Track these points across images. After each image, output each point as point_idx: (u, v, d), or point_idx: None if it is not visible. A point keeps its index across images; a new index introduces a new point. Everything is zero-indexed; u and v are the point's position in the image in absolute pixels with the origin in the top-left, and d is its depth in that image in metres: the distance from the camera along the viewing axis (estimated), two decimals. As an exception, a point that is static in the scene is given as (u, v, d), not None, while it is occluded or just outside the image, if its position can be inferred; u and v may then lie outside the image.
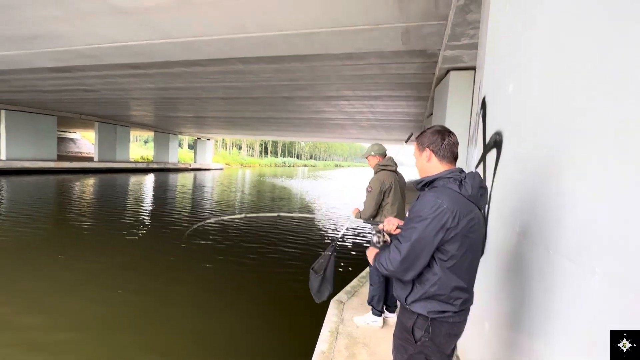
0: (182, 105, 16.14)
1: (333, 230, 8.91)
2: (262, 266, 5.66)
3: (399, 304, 1.43)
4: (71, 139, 37.57)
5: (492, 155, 1.86)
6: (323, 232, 8.62)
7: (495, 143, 1.81)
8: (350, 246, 7.16)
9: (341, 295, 3.41)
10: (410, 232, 1.24)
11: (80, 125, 30.69)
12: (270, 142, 78.91)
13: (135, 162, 29.43)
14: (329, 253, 2.09)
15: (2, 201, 10.86)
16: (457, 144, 1.36)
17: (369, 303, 2.88)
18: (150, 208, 11.35)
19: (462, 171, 1.31)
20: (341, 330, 2.73)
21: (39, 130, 21.42)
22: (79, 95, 14.29)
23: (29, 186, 15.00)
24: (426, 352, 1.31)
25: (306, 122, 19.32)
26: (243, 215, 2.84)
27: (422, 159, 1.37)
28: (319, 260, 2.09)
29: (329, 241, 7.39)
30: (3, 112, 19.62)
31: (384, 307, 2.92)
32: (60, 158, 24.66)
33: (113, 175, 22.60)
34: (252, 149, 74.26)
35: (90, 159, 26.95)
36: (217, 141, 53.07)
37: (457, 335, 1.33)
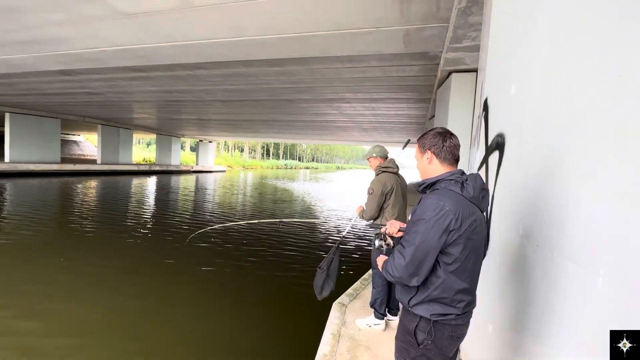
0: (185, 108, 16.20)
1: (337, 233, 8.89)
2: (263, 269, 5.64)
3: (401, 306, 1.42)
4: (74, 142, 37.83)
5: (494, 157, 1.85)
6: (325, 235, 8.61)
7: (498, 145, 1.81)
8: (352, 249, 7.14)
9: (343, 298, 3.39)
10: (413, 236, 1.23)
11: (84, 128, 30.92)
12: (272, 145, 79.05)
13: (137, 164, 29.59)
14: (334, 249, 2.12)
15: (5, 203, 10.93)
16: (459, 146, 1.36)
17: (372, 306, 2.86)
18: (152, 210, 11.38)
19: (463, 173, 1.31)
20: (343, 333, 2.72)
21: (43, 133, 21.55)
22: (82, 98, 14.39)
23: (33, 189, 15.08)
24: (428, 354, 1.30)
25: (308, 124, 19.34)
26: (278, 221, 2.86)
27: (424, 161, 1.38)
28: (325, 258, 2.12)
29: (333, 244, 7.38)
30: (7, 115, 19.76)
31: (387, 310, 2.91)
32: (64, 160, 24.81)
33: (116, 178, 22.70)
34: (254, 151, 74.42)
35: (94, 162, 27.09)
36: (219, 143, 53.20)
37: (460, 337, 1.33)
